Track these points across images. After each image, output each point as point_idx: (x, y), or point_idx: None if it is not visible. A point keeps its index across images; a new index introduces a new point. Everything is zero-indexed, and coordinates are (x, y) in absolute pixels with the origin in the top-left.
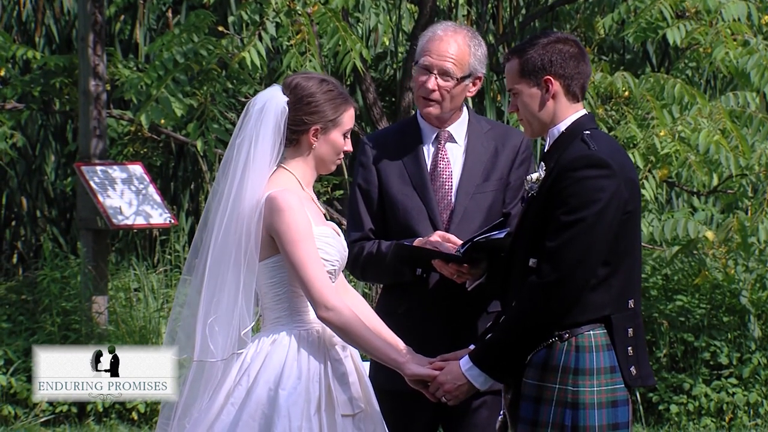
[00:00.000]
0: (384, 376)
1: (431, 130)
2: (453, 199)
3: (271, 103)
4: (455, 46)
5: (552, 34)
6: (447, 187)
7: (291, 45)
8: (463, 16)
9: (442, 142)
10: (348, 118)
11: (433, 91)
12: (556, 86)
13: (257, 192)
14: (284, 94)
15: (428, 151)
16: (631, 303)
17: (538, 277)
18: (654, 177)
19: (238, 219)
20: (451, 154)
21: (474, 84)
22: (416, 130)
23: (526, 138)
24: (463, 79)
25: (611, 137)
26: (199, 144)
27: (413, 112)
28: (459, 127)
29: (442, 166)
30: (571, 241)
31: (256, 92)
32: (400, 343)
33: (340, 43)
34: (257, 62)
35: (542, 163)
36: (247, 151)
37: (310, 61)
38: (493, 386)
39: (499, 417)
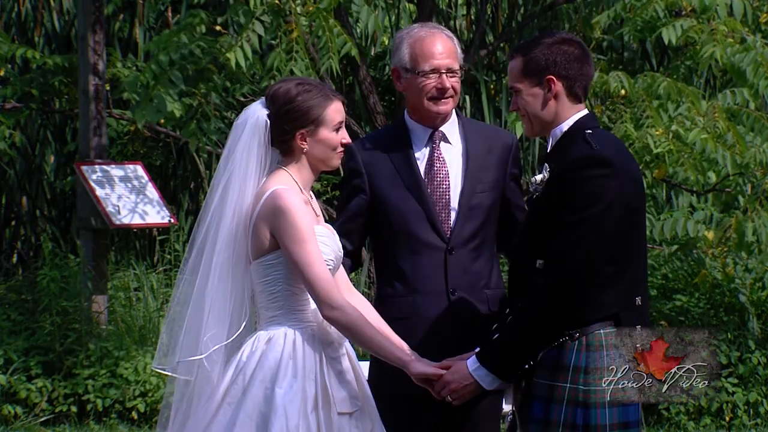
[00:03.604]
0: (383, 380)
1: (423, 131)
2: (451, 199)
3: (252, 119)
4: (448, 42)
5: (557, 35)
6: (444, 187)
7: (277, 44)
8: (462, 15)
9: (437, 142)
10: (333, 113)
11: (449, 88)
12: (558, 87)
13: (243, 209)
14: (266, 105)
15: (422, 152)
16: (638, 300)
17: (544, 277)
18: (647, 176)
19: (219, 241)
20: (447, 154)
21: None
22: (405, 132)
23: (515, 138)
24: (461, 71)
25: (614, 136)
26: (191, 142)
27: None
28: (451, 127)
29: (437, 166)
30: (576, 241)
31: (252, 91)
32: (404, 345)
33: (330, 42)
34: (242, 63)
35: (545, 164)
36: (231, 169)
37: (296, 61)
38: (499, 386)
39: (509, 418)
